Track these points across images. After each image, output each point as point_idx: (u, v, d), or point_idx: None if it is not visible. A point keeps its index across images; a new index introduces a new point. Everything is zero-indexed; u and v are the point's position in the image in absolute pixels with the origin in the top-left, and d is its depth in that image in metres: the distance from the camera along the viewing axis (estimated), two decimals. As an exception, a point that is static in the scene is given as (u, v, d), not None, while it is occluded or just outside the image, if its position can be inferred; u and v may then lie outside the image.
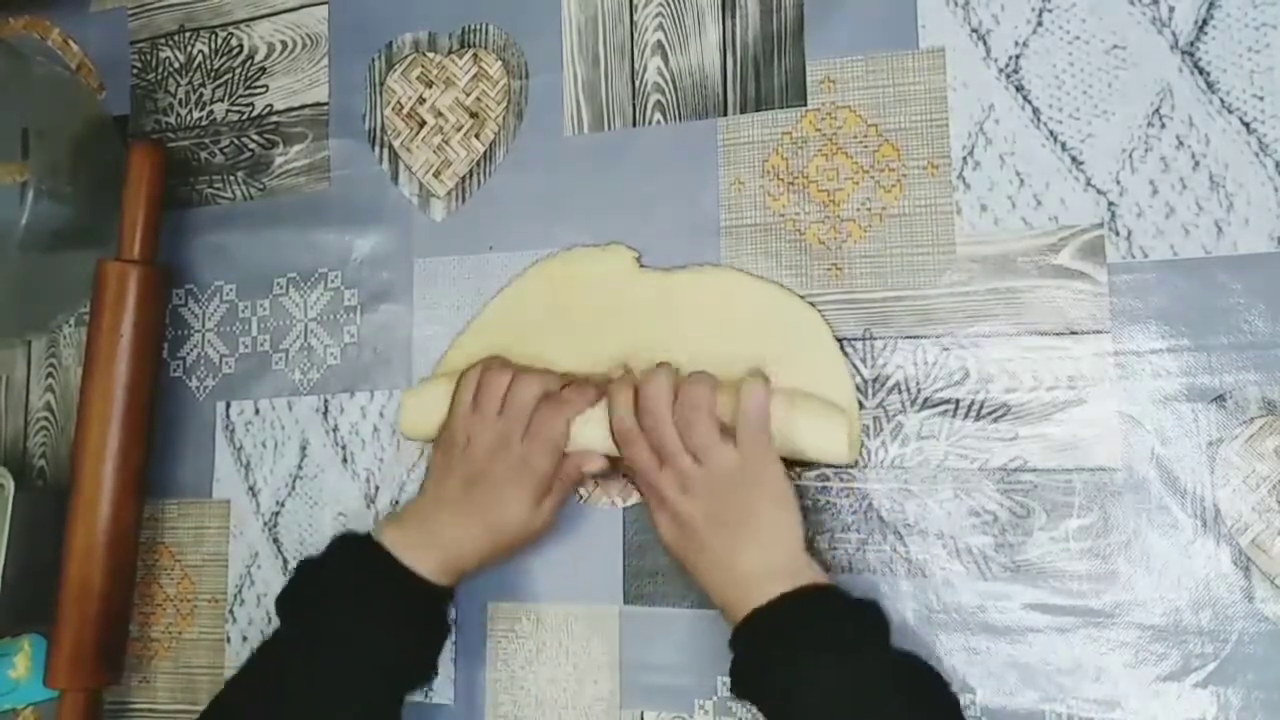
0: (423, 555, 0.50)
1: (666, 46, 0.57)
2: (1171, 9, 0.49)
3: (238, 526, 0.63)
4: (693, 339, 0.53)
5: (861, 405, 0.52)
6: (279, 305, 0.64)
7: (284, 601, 0.51)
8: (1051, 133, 0.50)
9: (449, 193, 0.61)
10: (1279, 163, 0.47)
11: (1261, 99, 0.47)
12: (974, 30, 0.52)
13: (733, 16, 0.56)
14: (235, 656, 0.62)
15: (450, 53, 0.62)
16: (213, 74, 0.67)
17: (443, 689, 0.57)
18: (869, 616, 0.46)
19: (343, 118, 0.64)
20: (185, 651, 0.63)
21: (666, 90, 0.57)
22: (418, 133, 0.62)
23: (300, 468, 0.62)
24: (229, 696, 0.49)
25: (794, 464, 0.51)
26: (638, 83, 0.58)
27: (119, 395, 0.59)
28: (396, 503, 0.60)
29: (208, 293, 0.66)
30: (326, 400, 0.62)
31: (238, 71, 0.66)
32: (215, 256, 0.66)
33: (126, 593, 0.61)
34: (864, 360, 0.52)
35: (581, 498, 0.56)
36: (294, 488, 0.62)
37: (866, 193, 0.53)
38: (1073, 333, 0.49)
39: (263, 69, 0.66)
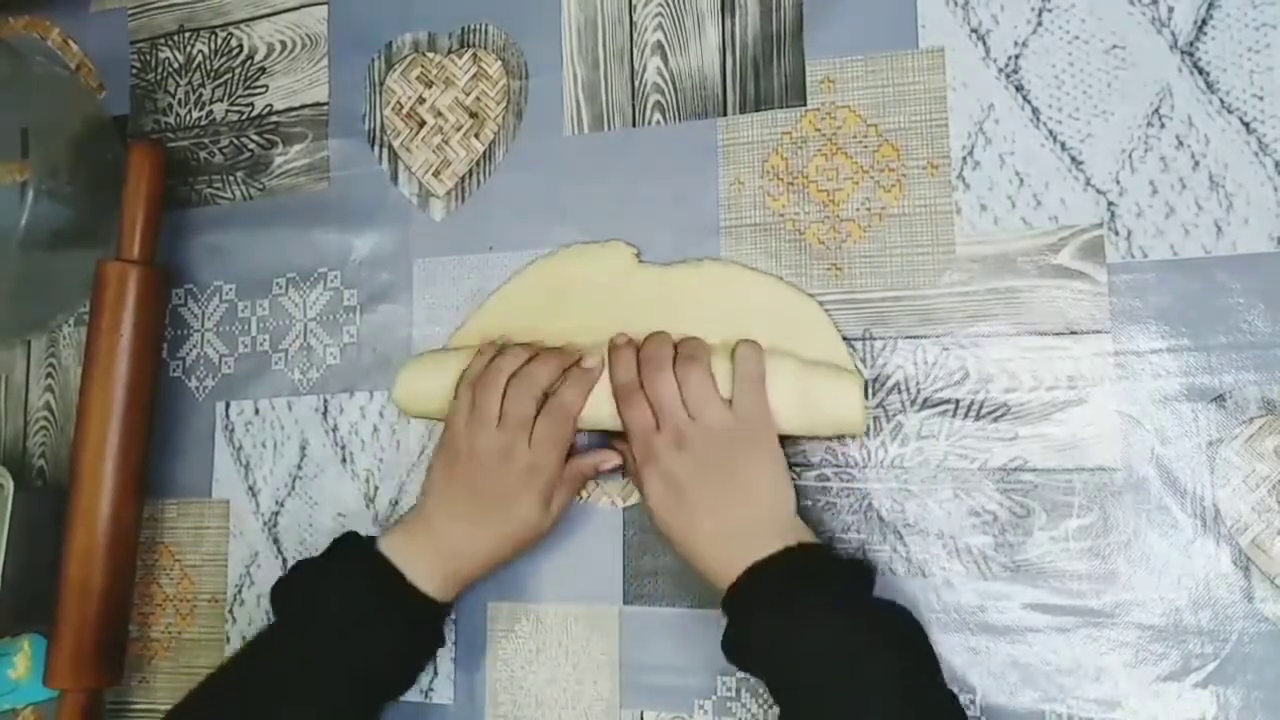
0: (427, 568, 0.50)
1: (666, 47, 0.57)
2: (1171, 9, 0.49)
3: (237, 526, 0.63)
4: (692, 328, 0.53)
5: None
6: (278, 305, 0.64)
7: (277, 593, 0.51)
8: (1051, 133, 0.50)
9: (449, 193, 0.61)
10: (1279, 163, 0.47)
11: (1261, 99, 0.47)
12: (974, 30, 0.52)
13: (732, 17, 0.56)
14: (235, 656, 0.62)
15: (450, 53, 0.62)
16: (212, 74, 0.67)
17: (443, 689, 0.57)
18: (857, 574, 0.47)
19: (342, 118, 0.64)
20: (185, 651, 0.63)
21: (666, 90, 0.57)
22: (417, 133, 0.62)
23: (300, 468, 0.62)
24: (210, 686, 0.49)
25: (800, 442, 0.51)
26: (637, 83, 0.58)
27: (119, 395, 0.59)
28: (396, 503, 0.60)
29: (207, 293, 0.66)
30: (326, 400, 0.62)
31: (237, 71, 0.66)
32: (215, 256, 0.66)
33: (126, 593, 0.61)
34: (864, 360, 0.52)
35: (581, 498, 0.56)
36: (294, 488, 0.62)
37: (866, 193, 0.53)
38: (1073, 333, 0.49)
39: (262, 69, 0.66)
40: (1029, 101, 0.51)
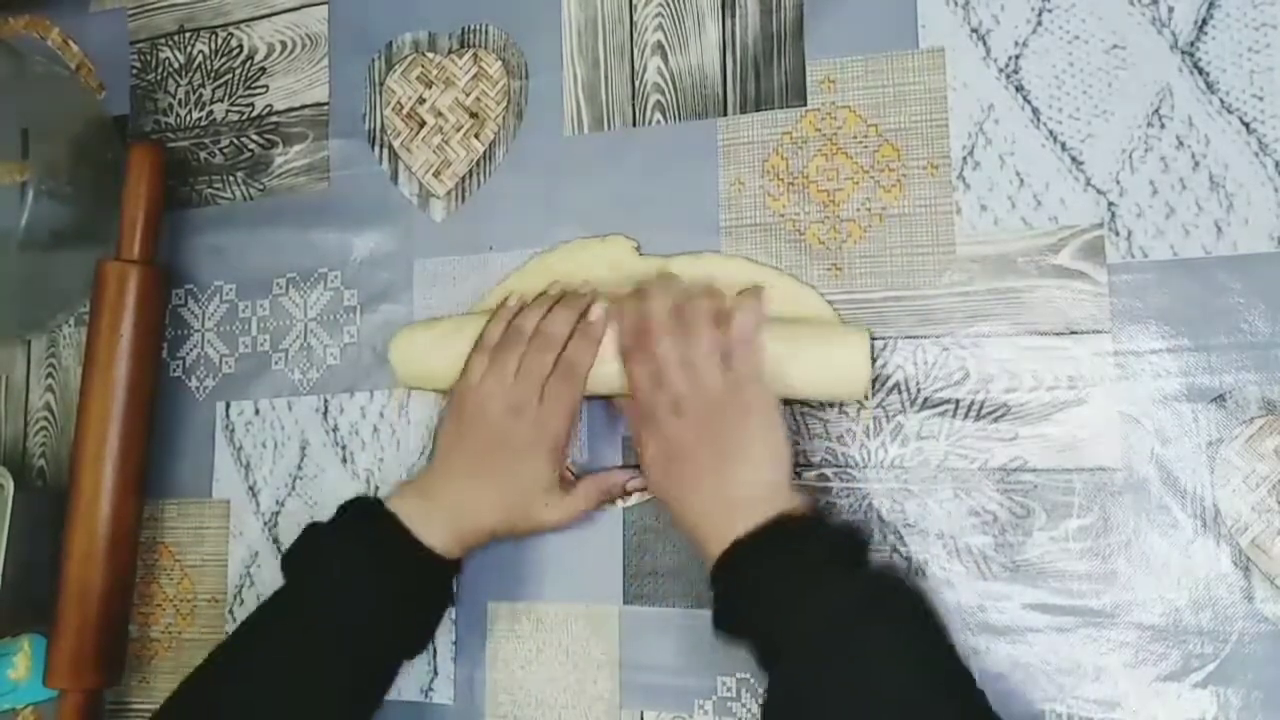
0: (434, 526, 0.50)
1: (666, 46, 0.57)
2: (1171, 9, 0.49)
3: (237, 526, 0.63)
4: None
5: (862, 405, 0.52)
6: (279, 305, 0.64)
7: (288, 560, 0.51)
8: (1051, 133, 0.50)
9: (449, 193, 0.61)
10: (1279, 163, 0.47)
11: (1261, 99, 0.47)
12: (974, 30, 0.52)
13: (732, 16, 0.56)
14: (235, 656, 0.62)
15: (450, 53, 0.62)
16: (212, 74, 0.67)
17: (443, 689, 0.57)
18: (849, 541, 0.46)
19: (343, 118, 0.64)
20: (185, 651, 0.63)
21: (666, 90, 0.57)
22: (417, 133, 0.62)
23: (300, 468, 0.62)
24: (223, 653, 0.49)
25: (800, 442, 0.51)
26: (637, 83, 0.58)
27: (119, 395, 0.59)
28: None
29: (207, 293, 0.66)
30: (326, 400, 0.62)
31: (238, 71, 0.66)
32: (215, 256, 0.66)
33: (126, 593, 0.61)
34: (864, 360, 0.52)
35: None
36: (294, 488, 0.62)
37: (866, 193, 0.53)
38: (1073, 333, 0.49)
39: (262, 69, 0.66)
40: (1029, 101, 0.51)
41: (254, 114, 0.66)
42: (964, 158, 0.51)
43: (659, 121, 0.57)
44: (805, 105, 0.54)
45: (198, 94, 0.67)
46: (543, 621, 0.56)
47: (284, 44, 0.65)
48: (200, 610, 0.63)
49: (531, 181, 0.59)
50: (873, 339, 0.51)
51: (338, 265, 0.63)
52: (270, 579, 0.61)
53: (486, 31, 0.61)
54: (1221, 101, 0.48)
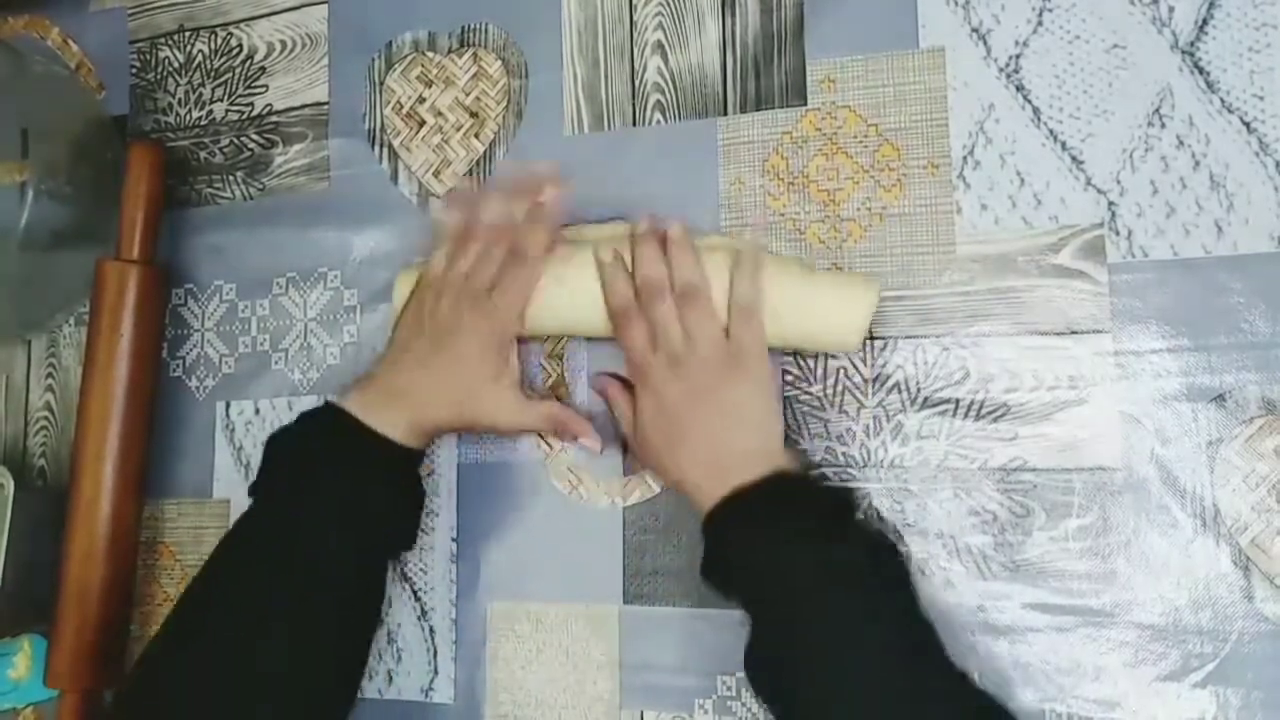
0: (388, 416, 0.49)
1: (666, 46, 0.57)
2: (1171, 9, 0.49)
3: (238, 526, 0.63)
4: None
5: (861, 405, 0.52)
6: (279, 305, 0.64)
7: (255, 487, 0.50)
8: (1052, 132, 0.50)
9: (449, 192, 0.61)
10: (1279, 162, 0.47)
11: (1261, 99, 0.47)
12: (974, 30, 0.52)
13: (732, 16, 0.56)
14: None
15: (450, 52, 0.62)
16: (212, 74, 0.67)
17: (443, 689, 0.57)
18: (840, 501, 0.47)
19: (342, 117, 0.63)
20: (185, 651, 0.63)
21: (666, 90, 0.57)
22: (417, 132, 0.62)
23: (300, 467, 0.62)
24: (205, 581, 0.48)
25: (801, 442, 0.51)
26: (637, 82, 0.58)
27: (119, 395, 0.59)
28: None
29: (207, 292, 0.66)
30: (327, 400, 0.61)
31: (237, 71, 0.66)
32: (215, 256, 0.66)
33: (126, 593, 0.61)
34: (864, 360, 0.52)
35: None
36: (294, 487, 0.62)
37: (866, 192, 0.53)
38: (1073, 332, 0.49)
39: (262, 69, 0.66)
40: (1030, 101, 0.51)
41: (254, 113, 0.66)
42: (964, 157, 0.51)
43: (659, 121, 0.57)
44: (805, 105, 0.54)
45: (197, 93, 0.67)
46: (543, 621, 0.56)
47: (284, 43, 0.65)
48: (200, 610, 0.63)
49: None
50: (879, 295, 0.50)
51: (337, 265, 0.62)
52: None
53: (486, 31, 0.61)
54: (1222, 101, 0.48)
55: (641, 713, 0.53)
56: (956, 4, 0.52)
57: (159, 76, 0.68)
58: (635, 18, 0.58)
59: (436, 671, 0.57)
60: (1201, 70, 0.48)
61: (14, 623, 0.61)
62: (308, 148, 0.64)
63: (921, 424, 0.51)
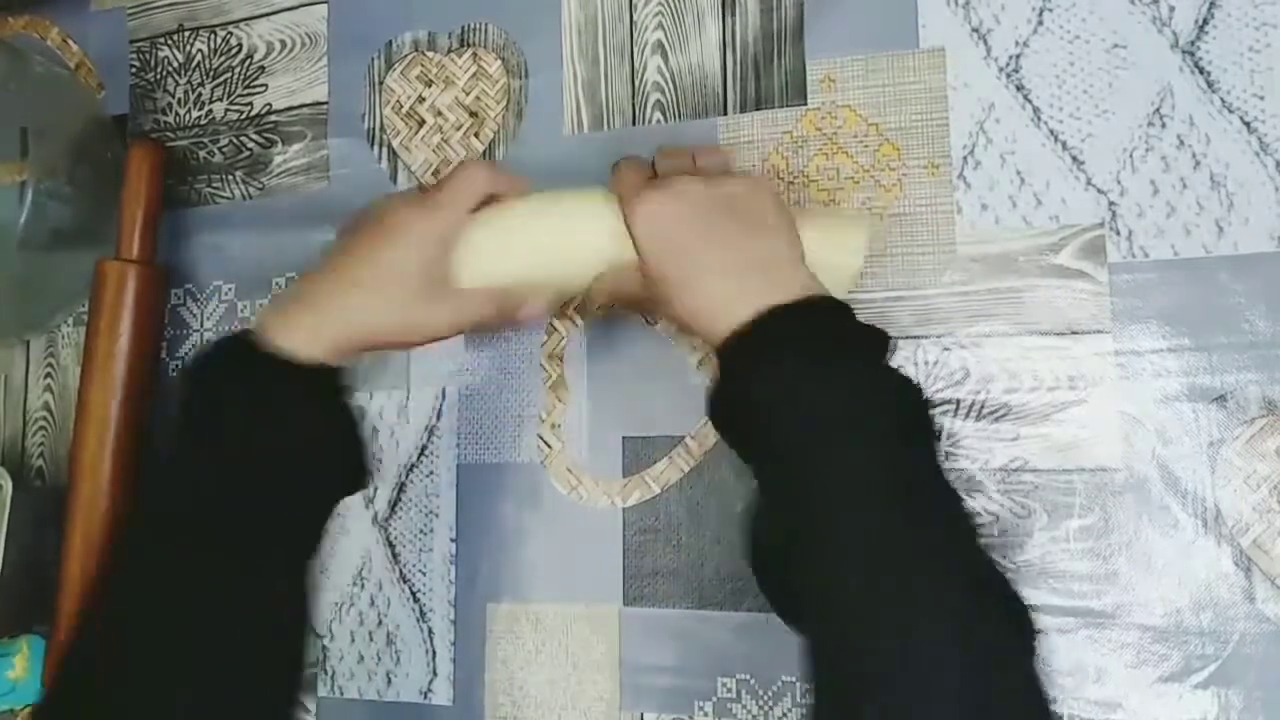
0: (303, 334, 0.43)
1: (666, 45, 0.57)
2: (1172, 8, 0.49)
3: (237, 527, 0.62)
4: None
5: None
6: (278, 305, 0.64)
7: (176, 432, 0.44)
8: (1052, 132, 0.50)
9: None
10: (1279, 162, 0.47)
11: (1262, 99, 0.47)
12: (974, 30, 0.52)
13: (732, 15, 0.56)
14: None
15: (450, 52, 0.62)
16: (212, 73, 0.67)
17: (442, 690, 0.57)
18: (881, 341, 0.41)
19: (342, 117, 0.63)
20: (184, 652, 0.63)
21: (666, 89, 0.57)
22: (417, 132, 0.62)
23: (299, 468, 0.62)
24: (119, 552, 0.44)
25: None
26: (637, 82, 0.57)
27: (118, 395, 0.59)
28: (395, 503, 0.59)
29: (206, 292, 0.65)
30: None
31: (237, 71, 0.66)
32: (214, 256, 0.66)
33: (125, 593, 0.61)
34: (864, 360, 0.52)
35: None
36: (293, 488, 0.62)
37: (867, 192, 0.53)
38: (1073, 332, 0.49)
39: (262, 68, 0.66)
40: (1030, 101, 0.51)
41: (253, 113, 0.66)
42: (964, 157, 0.51)
43: (659, 120, 0.57)
44: (805, 104, 0.54)
45: (197, 93, 0.67)
46: (543, 622, 0.56)
47: (283, 43, 0.65)
48: (199, 610, 0.63)
49: (531, 181, 0.59)
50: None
51: (337, 265, 0.62)
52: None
53: (486, 31, 0.61)
54: (1222, 101, 0.48)
55: (641, 714, 0.53)
56: (956, 4, 0.52)
57: (159, 76, 0.68)
58: (635, 17, 0.58)
59: (435, 673, 0.57)
60: (1202, 70, 0.48)
61: (12, 623, 0.61)
62: (307, 147, 0.64)
63: (922, 424, 0.50)
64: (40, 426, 0.68)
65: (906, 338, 0.51)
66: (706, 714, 0.52)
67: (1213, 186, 0.48)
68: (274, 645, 0.42)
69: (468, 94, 0.61)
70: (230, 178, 0.66)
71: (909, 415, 0.39)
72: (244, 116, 0.66)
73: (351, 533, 0.60)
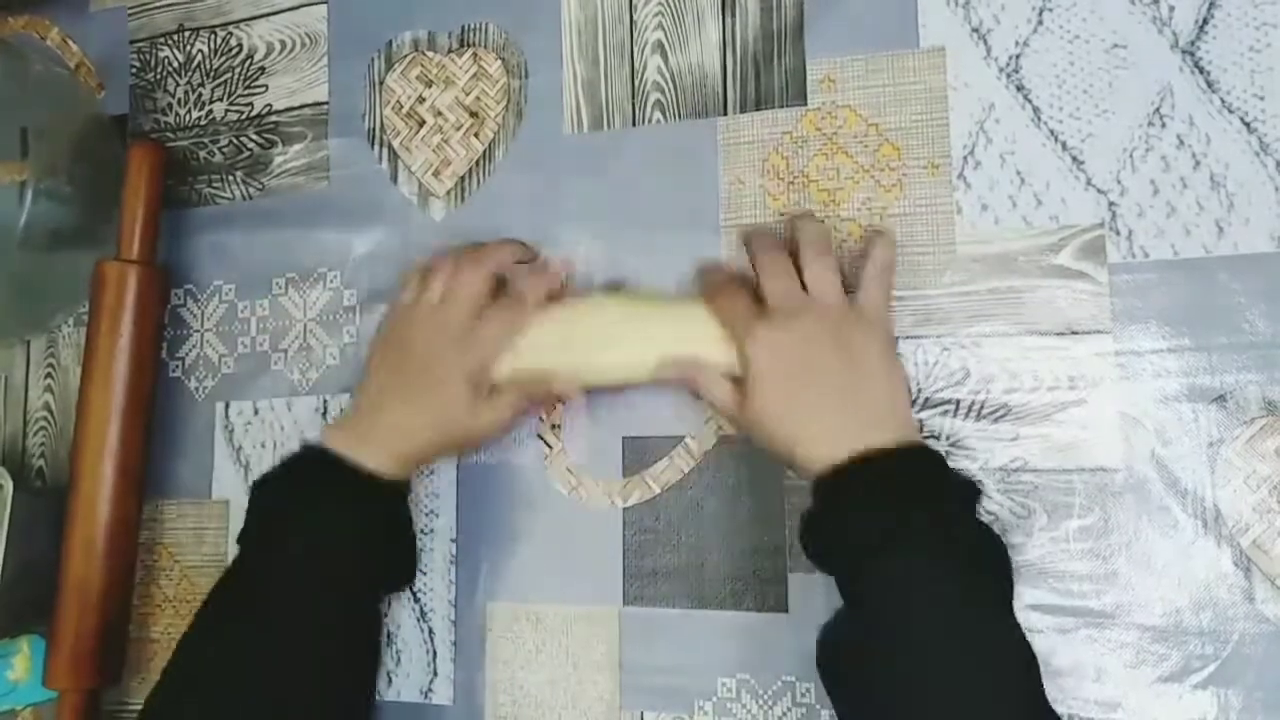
0: (369, 450, 0.50)
1: (666, 45, 0.57)
2: (1172, 8, 0.49)
3: (237, 527, 0.62)
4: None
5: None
6: (278, 305, 0.64)
7: (242, 535, 0.50)
8: (1052, 132, 0.50)
9: (449, 192, 0.61)
10: (1279, 162, 0.47)
11: (1262, 99, 0.47)
12: (974, 29, 0.52)
13: (733, 15, 0.56)
14: (234, 657, 0.62)
15: (450, 52, 0.62)
16: (212, 73, 0.67)
17: (442, 689, 0.57)
18: (971, 492, 0.44)
19: (342, 117, 0.63)
20: (184, 652, 0.63)
21: (666, 89, 0.57)
22: (417, 132, 0.62)
23: (299, 468, 0.62)
24: (198, 633, 0.48)
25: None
26: (637, 82, 0.57)
27: (118, 395, 0.59)
28: (396, 503, 0.59)
29: (207, 293, 0.65)
30: (326, 400, 0.62)
31: (237, 71, 0.66)
32: (214, 256, 0.66)
33: (125, 593, 0.61)
34: (864, 360, 0.52)
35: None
36: (293, 488, 0.62)
37: (867, 192, 0.53)
38: (1073, 333, 0.49)
39: (262, 68, 0.66)
40: (1030, 101, 0.51)
41: (253, 113, 0.66)
42: (964, 157, 0.51)
43: (659, 120, 0.57)
44: (805, 104, 0.54)
45: (197, 93, 0.67)
46: (542, 622, 0.56)
47: (283, 43, 0.65)
48: (200, 610, 0.63)
49: (531, 181, 0.59)
50: None
51: (337, 265, 0.62)
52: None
53: (486, 30, 0.61)
54: (1222, 101, 0.48)
55: (642, 714, 0.53)
56: (956, 4, 0.52)
57: (159, 76, 0.68)
58: (635, 17, 0.58)
59: (436, 673, 0.57)
60: (1202, 70, 0.48)
61: (12, 623, 0.61)
62: (307, 147, 0.64)
63: (922, 424, 0.50)
64: (40, 426, 0.69)
65: (907, 338, 0.51)
66: (706, 714, 0.52)
67: (1213, 186, 0.48)
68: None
69: (468, 94, 0.61)
70: (230, 178, 0.66)
71: (990, 563, 0.42)
72: (244, 117, 0.66)
73: (352, 533, 0.60)
